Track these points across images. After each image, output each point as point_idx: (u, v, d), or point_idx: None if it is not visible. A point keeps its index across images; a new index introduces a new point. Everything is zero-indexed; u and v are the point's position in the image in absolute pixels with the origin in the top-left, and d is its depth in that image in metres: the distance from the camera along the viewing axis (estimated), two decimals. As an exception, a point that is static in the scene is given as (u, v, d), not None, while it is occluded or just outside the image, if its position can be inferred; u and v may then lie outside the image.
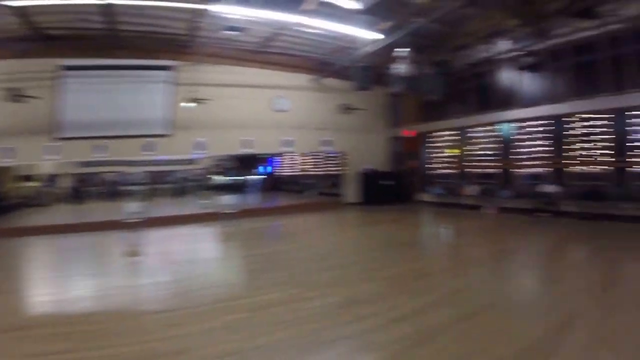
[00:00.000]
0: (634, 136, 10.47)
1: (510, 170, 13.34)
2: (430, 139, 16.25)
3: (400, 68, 12.67)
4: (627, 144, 10.57)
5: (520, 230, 10.14)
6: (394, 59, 12.63)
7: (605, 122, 10.99)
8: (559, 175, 12.00)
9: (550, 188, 11.74)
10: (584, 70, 11.32)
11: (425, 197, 15.92)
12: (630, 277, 6.11)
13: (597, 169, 11.21)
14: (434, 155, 16.22)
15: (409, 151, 16.70)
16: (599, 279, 5.92)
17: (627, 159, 10.58)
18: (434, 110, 15.59)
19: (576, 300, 4.80)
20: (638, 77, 10.19)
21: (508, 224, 11.17)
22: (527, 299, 5.15)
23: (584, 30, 10.66)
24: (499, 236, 9.69)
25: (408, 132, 16.47)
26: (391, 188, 16.04)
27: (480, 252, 8.01)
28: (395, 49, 12.31)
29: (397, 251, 8.10)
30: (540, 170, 12.50)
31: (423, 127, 16.11)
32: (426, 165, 16.48)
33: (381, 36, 11.73)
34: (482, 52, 13.17)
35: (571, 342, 3.68)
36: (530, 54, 11.98)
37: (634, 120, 10.47)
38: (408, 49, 12.37)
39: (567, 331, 3.90)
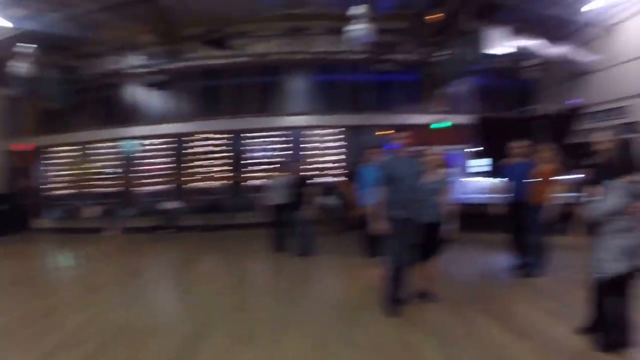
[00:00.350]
0: (248, 154, 11.90)
1: (133, 188, 12.51)
2: (50, 154, 13.48)
3: (22, 67, 10.49)
4: (242, 162, 11.86)
5: (145, 250, 9.66)
6: (16, 55, 10.40)
7: (225, 141, 12.03)
8: (180, 191, 12.03)
9: (172, 204, 11.49)
10: (208, 93, 12.26)
11: (44, 222, 12.82)
12: (253, 275, 6.73)
13: (217, 184, 11.99)
14: (54, 173, 13.43)
15: (25, 168, 13.31)
16: (227, 281, 6.23)
17: (242, 175, 11.83)
18: (54, 122, 13.18)
19: (209, 306, 4.87)
20: (254, 104, 11.88)
21: (131, 244, 10.34)
22: (162, 315, 4.84)
23: (213, 57, 11.62)
24: (124, 258, 8.82)
25: (24, 145, 13.47)
26: (5, 214, 12.62)
27: (106, 277, 7.13)
28: (20, 44, 10.19)
29: (13, 291, 6.17)
30: (162, 187, 12.24)
31: (42, 140, 13.21)
32: (45, 185, 13.41)
33: (9, 24, 9.41)
34: (113, 63, 12.41)
35: (211, 345, 3.65)
36: (160, 72, 12.05)
37: (248, 140, 11.93)
38: (34, 46, 10.44)
39: (206, 335, 3.87)
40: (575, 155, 9.91)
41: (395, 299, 4.12)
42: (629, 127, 9.24)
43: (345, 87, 11.95)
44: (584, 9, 9.31)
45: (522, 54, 9.96)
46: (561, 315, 3.93)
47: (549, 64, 10.66)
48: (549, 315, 3.98)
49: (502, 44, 9.19)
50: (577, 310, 3.62)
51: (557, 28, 10.51)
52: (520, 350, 3.30)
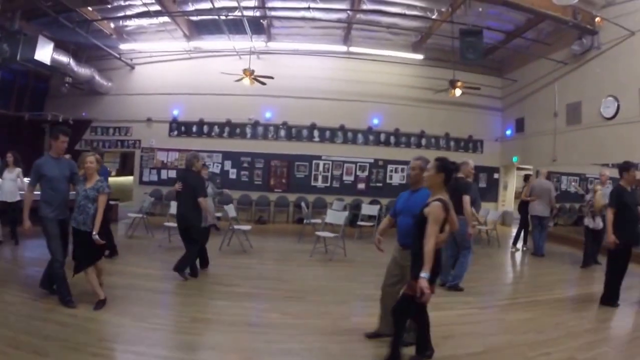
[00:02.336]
0: None
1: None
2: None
3: None
4: None
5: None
6: None
7: None
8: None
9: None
10: None
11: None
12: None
13: None
14: None
15: None
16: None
17: None
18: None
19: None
20: None
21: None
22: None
23: None
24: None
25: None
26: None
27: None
28: None
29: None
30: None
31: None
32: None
33: None
34: None
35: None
36: None
37: None
38: None
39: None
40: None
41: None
42: (131, 143, 12.53)
43: None
44: (122, 46, 11.78)
45: (53, 65, 10.67)
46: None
47: (73, 79, 12.07)
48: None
49: (39, 50, 9.62)
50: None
51: (89, 52, 12.29)
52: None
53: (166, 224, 7.84)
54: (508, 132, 13.16)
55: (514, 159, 12.72)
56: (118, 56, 12.08)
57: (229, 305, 4.50)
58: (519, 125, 12.62)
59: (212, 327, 3.89)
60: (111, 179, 14.20)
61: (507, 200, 13.53)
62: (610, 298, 4.76)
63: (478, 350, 3.49)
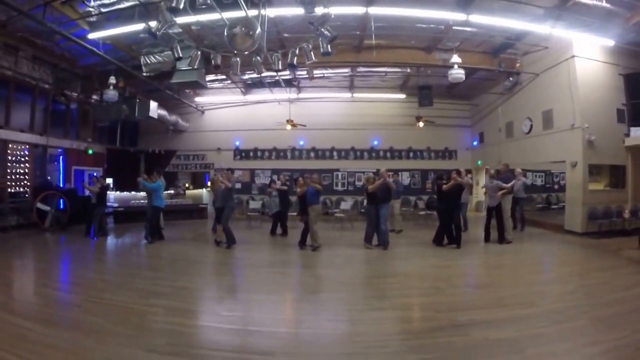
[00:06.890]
0: None
1: None
2: None
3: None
4: None
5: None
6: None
7: None
8: None
9: None
10: None
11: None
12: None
13: None
14: None
15: None
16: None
17: None
18: None
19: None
20: None
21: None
22: None
23: None
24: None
25: None
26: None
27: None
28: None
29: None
30: None
31: None
32: None
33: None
34: None
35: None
36: None
37: None
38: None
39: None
40: (170, 179, 17.29)
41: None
42: (204, 166, 17.96)
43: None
44: (197, 98, 17.22)
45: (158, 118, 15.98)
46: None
47: (163, 122, 17.44)
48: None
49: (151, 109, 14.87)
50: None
51: (172, 102, 17.69)
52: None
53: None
54: (475, 143, 17.98)
55: (479, 162, 17.54)
56: (194, 105, 17.54)
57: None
58: (481, 137, 17.41)
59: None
60: (188, 191, 19.95)
61: (479, 193, 18.23)
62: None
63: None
